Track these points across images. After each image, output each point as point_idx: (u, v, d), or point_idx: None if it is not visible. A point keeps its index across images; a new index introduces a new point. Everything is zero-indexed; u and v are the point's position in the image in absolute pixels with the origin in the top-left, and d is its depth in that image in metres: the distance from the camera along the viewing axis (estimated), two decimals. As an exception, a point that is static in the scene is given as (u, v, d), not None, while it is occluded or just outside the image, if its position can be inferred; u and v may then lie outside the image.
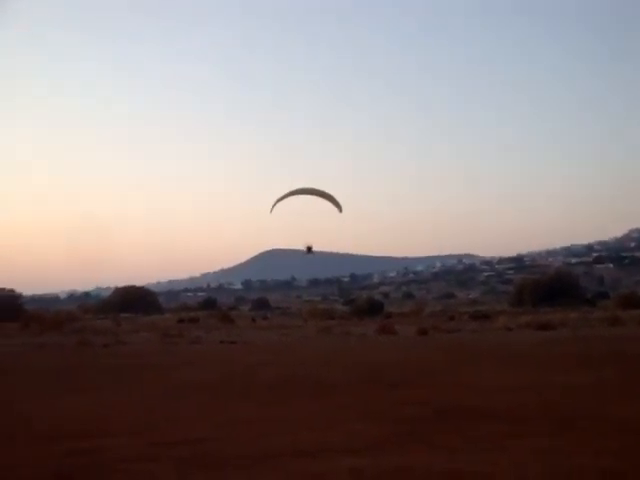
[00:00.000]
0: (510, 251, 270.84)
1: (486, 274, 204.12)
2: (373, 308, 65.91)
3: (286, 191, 28.40)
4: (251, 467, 7.42)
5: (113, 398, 13.45)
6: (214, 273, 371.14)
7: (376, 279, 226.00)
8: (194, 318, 55.39)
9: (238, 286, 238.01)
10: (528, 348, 23.48)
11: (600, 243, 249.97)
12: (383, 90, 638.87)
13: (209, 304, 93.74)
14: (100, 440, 9.03)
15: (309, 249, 29.70)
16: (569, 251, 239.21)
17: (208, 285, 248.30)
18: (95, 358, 23.23)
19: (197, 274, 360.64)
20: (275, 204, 28.29)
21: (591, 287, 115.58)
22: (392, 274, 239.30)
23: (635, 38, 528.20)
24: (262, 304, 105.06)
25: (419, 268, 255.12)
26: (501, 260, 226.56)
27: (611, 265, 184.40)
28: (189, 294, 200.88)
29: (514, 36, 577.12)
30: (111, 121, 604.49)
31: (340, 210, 28.11)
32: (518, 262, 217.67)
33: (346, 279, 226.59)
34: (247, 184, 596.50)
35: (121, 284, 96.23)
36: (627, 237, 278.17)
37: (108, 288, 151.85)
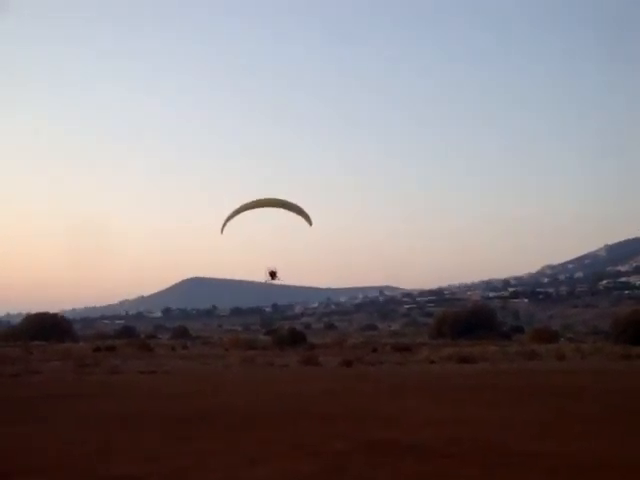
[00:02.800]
0: (431, 284, 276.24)
1: (407, 306, 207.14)
2: (295, 339, 65.36)
3: (239, 205, 23.86)
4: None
5: (27, 432, 12.57)
6: (133, 300, 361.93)
7: (298, 310, 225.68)
8: (111, 346, 53.39)
9: (158, 314, 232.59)
10: (452, 381, 23.58)
11: (516, 278, 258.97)
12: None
13: (127, 332, 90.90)
14: (23, 478, 8.36)
15: (272, 275, 24.57)
16: (487, 285, 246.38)
17: (126, 313, 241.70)
18: (3, 389, 21.86)
19: (115, 301, 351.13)
20: (228, 220, 24.00)
21: (507, 321, 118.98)
22: (314, 305, 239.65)
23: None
24: (182, 333, 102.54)
25: (341, 299, 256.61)
26: (422, 293, 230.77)
27: (526, 300, 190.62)
28: (106, 322, 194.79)
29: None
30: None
31: (310, 224, 24.20)
32: (438, 295, 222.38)
33: (268, 309, 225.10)
34: (169, 209, 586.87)
35: (33, 311, 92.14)
36: (540, 273, 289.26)
37: (19, 314, 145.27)
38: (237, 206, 23.84)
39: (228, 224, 23.93)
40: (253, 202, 23.79)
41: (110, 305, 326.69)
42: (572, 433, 11.80)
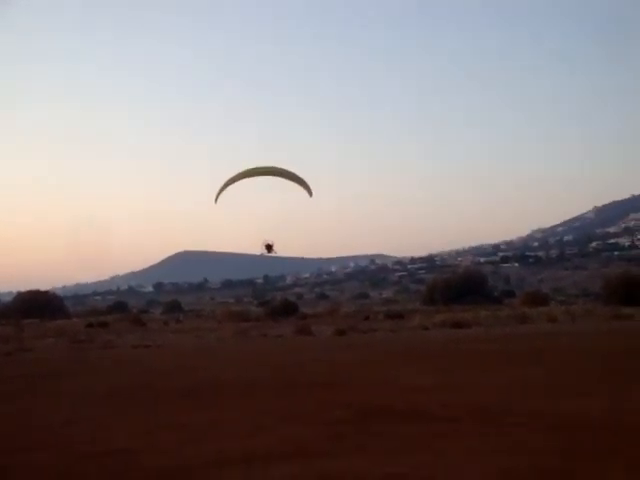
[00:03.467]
0: (421, 251, 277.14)
1: (398, 274, 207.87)
2: (288, 309, 65.60)
3: (234, 173, 22.75)
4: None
5: (27, 409, 12.55)
6: (124, 276, 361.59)
7: (290, 280, 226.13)
8: (104, 322, 53.36)
9: (149, 289, 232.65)
10: (446, 346, 23.72)
11: (506, 243, 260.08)
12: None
13: (119, 308, 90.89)
14: (22, 456, 8.35)
15: (269, 248, 23.90)
16: (477, 251, 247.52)
17: (118, 288, 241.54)
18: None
19: (106, 277, 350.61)
20: (223, 189, 23.02)
21: (498, 285, 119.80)
22: (305, 275, 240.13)
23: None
24: (174, 307, 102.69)
25: (332, 269, 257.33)
26: (413, 260, 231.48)
27: (516, 264, 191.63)
28: (97, 298, 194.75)
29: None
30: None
31: (310, 194, 23.29)
32: (429, 262, 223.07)
33: (260, 281, 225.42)
34: (157, 185, 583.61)
35: (24, 289, 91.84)
36: (530, 237, 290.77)
37: (10, 293, 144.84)
38: (232, 175, 22.91)
39: (223, 193, 23.16)
40: (250, 170, 22.89)
41: (101, 281, 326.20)
42: (570, 393, 11.87)
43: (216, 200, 23.27)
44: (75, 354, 26.66)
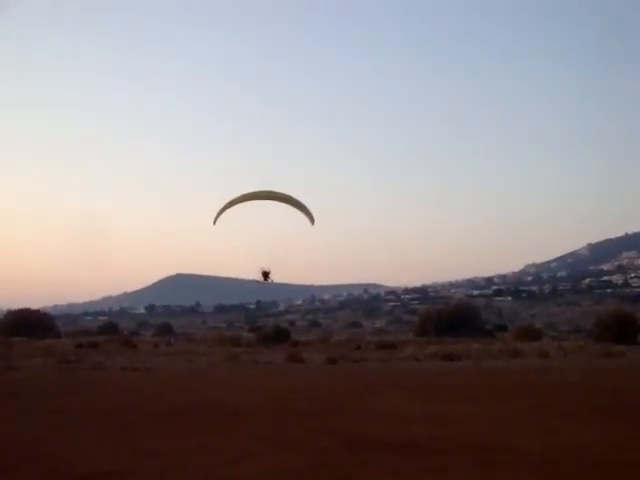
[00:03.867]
0: (415, 282, 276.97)
1: (391, 304, 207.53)
2: (279, 336, 65.30)
3: (234, 196, 21.97)
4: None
5: (6, 429, 12.43)
6: (116, 297, 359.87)
7: (282, 307, 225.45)
8: (94, 343, 53.02)
9: (141, 311, 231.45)
10: (437, 379, 23.64)
11: (500, 276, 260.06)
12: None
13: (110, 329, 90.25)
14: (3, 475, 8.28)
15: (265, 275, 22.43)
16: (471, 284, 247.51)
17: (110, 309, 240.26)
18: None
19: (98, 297, 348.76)
20: (222, 211, 22.14)
21: (490, 319, 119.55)
22: (298, 302, 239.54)
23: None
24: (166, 330, 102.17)
25: (325, 296, 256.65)
26: (406, 290, 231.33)
27: (509, 298, 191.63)
28: (89, 318, 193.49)
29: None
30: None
31: (312, 222, 22.39)
32: (422, 293, 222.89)
33: (252, 306, 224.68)
34: (153, 206, 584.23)
35: (15, 307, 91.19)
36: (524, 272, 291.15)
37: (0, 311, 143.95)
38: (232, 197, 22.19)
39: (222, 216, 22.52)
40: (252, 194, 22.15)
41: (93, 301, 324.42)
42: (556, 430, 11.86)
43: (215, 222, 22.64)
44: (63, 374, 26.47)
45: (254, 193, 22.26)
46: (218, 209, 22.56)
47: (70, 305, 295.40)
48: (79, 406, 15.67)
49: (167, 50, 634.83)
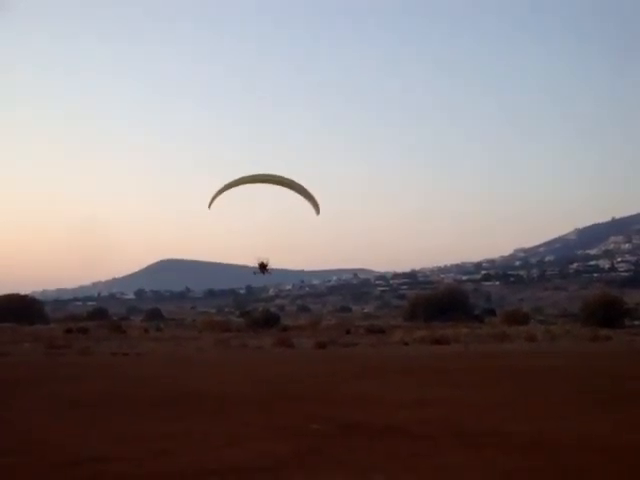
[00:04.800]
0: (404, 267, 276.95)
1: (381, 289, 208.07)
2: (269, 321, 65.37)
3: (233, 179, 20.67)
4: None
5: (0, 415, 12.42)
6: (105, 282, 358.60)
7: (272, 292, 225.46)
8: (83, 328, 52.89)
9: (130, 296, 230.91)
10: (426, 363, 23.79)
11: (488, 261, 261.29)
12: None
13: (99, 314, 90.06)
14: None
15: (263, 267, 21.73)
16: (460, 269, 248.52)
17: (99, 294, 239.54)
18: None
19: (87, 283, 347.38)
20: (219, 194, 21.03)
21: (479, 303, 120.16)
22: (288, 287, 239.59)
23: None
24: (155, 315, 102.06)
25: (315, 282, 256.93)
26: (395, 275, 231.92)
27: (497, 283, 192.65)
28: (78, 303, 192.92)
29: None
30: None
31: (318, 211, 21.30)
32: (412, 278, 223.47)
33: (242, 291, 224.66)
34: (142, 191, 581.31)
35: (3, 292, 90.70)
36: (513, 256, 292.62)
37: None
38: (227, 180, 20.86)
39: (217, 200, 21.23)
40: (250, 177, 20.93)
41: (82, 287, 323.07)
42: (544, 414, 11.97)
43: (210, 205, 21.53)
44: (51, 360, 26.41)
45: (252, 176, 21.15)
46: (214, 192, 21.28)
47: (59, 290, 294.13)
48: (67, 392, 15.63)
49: (161, 45, 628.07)
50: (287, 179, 21.33)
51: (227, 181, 21.33)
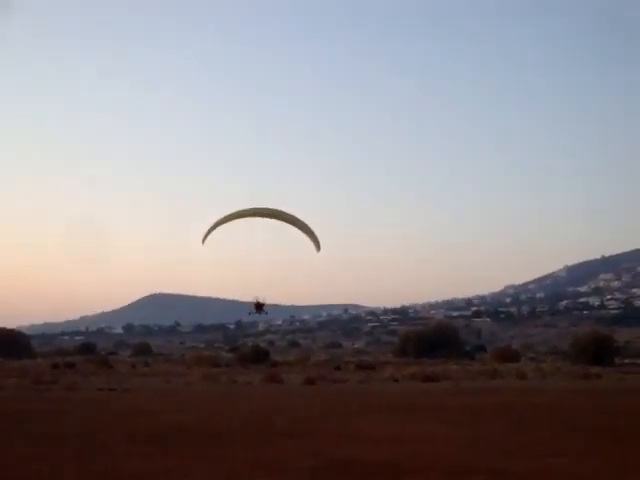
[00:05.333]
0: (394, 302, 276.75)
1: (371, 325, 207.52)
2: (259, 356, 64.98)
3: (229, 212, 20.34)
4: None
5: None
6: (94, 316, 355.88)
7: (262, 327, 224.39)
8: (70, 363, 52.39)
9: (119, 330, 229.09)
10: (416, 399, 23.66)
11: (479, 297, 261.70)
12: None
13: (87, 349, 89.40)
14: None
15: (259, 306, 21.43)
16: (450, 304, 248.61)
17: (87, 329, 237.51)
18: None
19: (75, 317, 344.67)
20: (212, 230, 20.53)
21: (470, 340, 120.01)
22: (278, 322, 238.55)
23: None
24: (144, 350, 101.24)
25: (305, 317, 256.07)
26: (386, 311, 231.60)
27: (488, 319, 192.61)
28: (66, 338, 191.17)
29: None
30: None
31: (318, 249, 21.10)
32: (402, 314, 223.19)
33: (232, 326, 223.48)
34: (132, 224, 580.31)
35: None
36: (503, 293, 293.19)
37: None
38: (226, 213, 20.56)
39: (218, 231, 20.96)
40: (246, 211, 20.47)
41: (70, 321, 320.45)
42: (534, 451, 11.92)
43: (204, 241, 21.07)
44: (37, 395, 26.08)
45: (253, 210, 20.74)
46: (208, 227, 20.95)
47: (47, 325, 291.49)
48: (50, 428, 15.44)
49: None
50: (288, 214, 21.05)
51: (219, 216, 21.24)
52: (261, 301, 21.40)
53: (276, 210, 21.16)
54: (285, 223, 21.14)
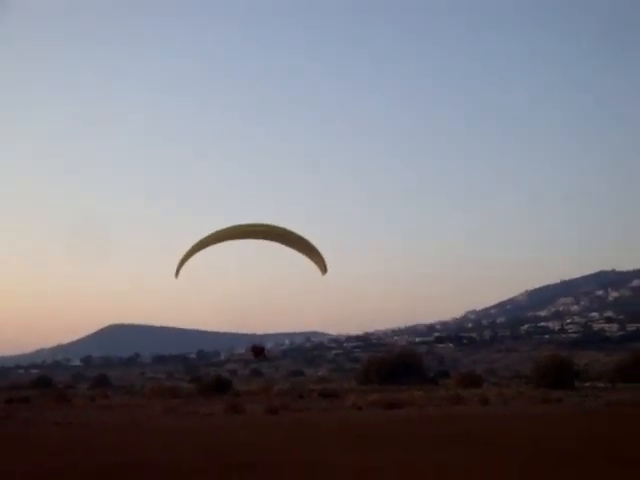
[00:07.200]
0: (357, 329, 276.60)
1: (334, 352, 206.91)
2: (220, 386, 63.97)
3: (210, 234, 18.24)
4: None
5: None
6: (50, 349, 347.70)
7: (223, 356, 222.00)
8: (25, 398, 50.77)
9: (77, 363, 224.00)
10: (379, 428, 23.43)
11: (441, 323, 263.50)
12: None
13: (43, 382, 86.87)
14: None
15: (257, 352, 19.50)
16: (413, 330, 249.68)
17: (43, 362, 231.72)
18: None
19: (30, 350, 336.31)
20: (185, 260, 18.20)
21: (433, 365, 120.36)
22: (240, 351, 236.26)
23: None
24: (102, 382, 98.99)
25: (267, 345, 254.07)
26: (349, 338, 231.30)
27: (451, 344, 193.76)
28: (21, 371, 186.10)
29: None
30: None
31: (324, 271, 18.99)
32: (365, 341, 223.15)
33: (193, 356, 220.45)
34: (90, 252, 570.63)
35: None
36: (465, 318, 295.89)
37: None
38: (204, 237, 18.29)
39: (193, 260, 18.94)
40: (244, 228, 18.22)
41: (25, 354, 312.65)
42: (495, 476, 11.79)
43: (177, 274, 19.06)
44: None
45: (246, 227, 18.74)
46: (180, 257, 18.87)
47: (1, 358, 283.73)
48: (2, 465, 14.81)
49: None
50: (294, 234, 18.99)
51: (188, 247, 19.31)
52: (259, 345, 18.77)
53: (267, 226, 19.07)
54: (282, 244, 18.86)
